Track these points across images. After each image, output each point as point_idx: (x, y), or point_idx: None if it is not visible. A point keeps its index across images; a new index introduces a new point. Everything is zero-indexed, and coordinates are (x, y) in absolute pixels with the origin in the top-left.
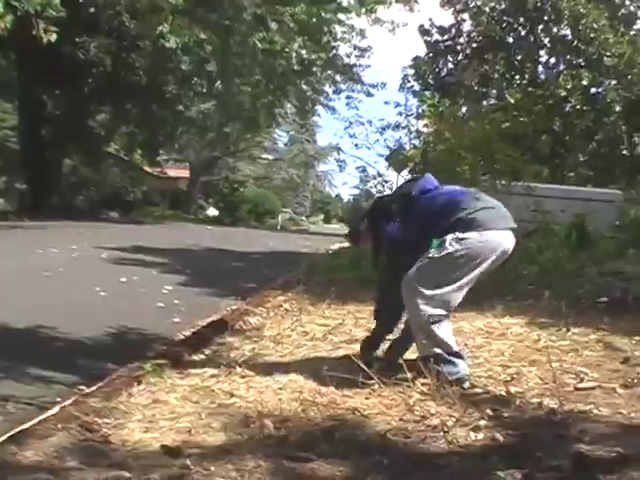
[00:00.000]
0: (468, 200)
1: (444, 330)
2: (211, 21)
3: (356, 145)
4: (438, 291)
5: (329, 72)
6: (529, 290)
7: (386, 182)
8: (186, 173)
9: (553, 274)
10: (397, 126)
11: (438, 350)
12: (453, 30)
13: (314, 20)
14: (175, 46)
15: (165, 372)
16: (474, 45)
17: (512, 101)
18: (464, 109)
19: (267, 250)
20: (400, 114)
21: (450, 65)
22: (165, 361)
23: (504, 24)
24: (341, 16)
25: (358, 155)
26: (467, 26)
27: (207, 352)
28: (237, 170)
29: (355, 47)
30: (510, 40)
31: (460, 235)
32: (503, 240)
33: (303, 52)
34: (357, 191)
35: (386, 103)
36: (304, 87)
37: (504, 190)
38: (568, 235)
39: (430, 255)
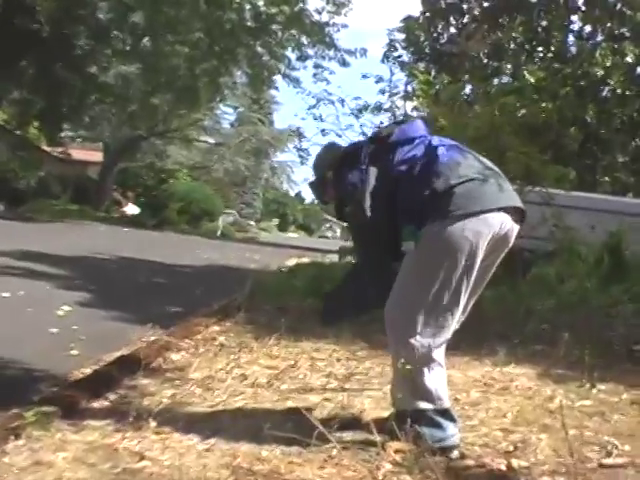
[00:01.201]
0: (463, 163)
1: (436, 378)
2: None
3: (323, 131)
4: (426, 315)
5: (293, 32)
6: (543, 331)
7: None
8: (98, 157)
9: (576, 311)
10: (378, 108)
11: (423, 405)
12: None
13: None
14: None
15: (53, 423)
16: (485, 4)
17: (532, 80)
18: (468, 89)
19: (201, 264)
20: (382, 92)
21: (452, 30)
22: (54, 408)
23: None
24: None
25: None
26: None
27: (112, 398)
28: (166, 156)
29: (329, 0)
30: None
31: (446, 223)
32: (503, 223)
33: (260, 3)
34: None
35: (365, 77)
36: (259, 50)
37: None
38: (599, 260)
39: (408, 265)
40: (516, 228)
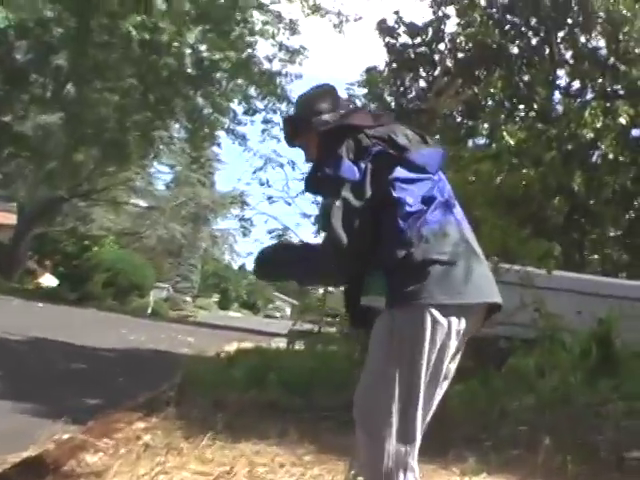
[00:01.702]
0: (450, 235)
1: None
2: None
3: (270, 198)
4: (397, 414)
5: (239, 81)
6: (520, 434)
7: None
8: (11, 219)
9: (558, 410)
10: None
11: None
12: (430, 31)
13: (221, 1)
14: (5, 24)
15: None
16: (460, 55)
17: (511, 143)
18: None
19: (127, 347)
20: None
21: (422, 83)
22: None
23: (507, 26)
24: None
25: (272, 213)
26: (451, 26)
27: None
28: (91, 220)
29: (282, 46)
30: (514, 50)
31: (413, 310)
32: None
33: (202, 48)
34: None
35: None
36: (200, 101)
37: None
38: (585, 351)
39: (375, 343)
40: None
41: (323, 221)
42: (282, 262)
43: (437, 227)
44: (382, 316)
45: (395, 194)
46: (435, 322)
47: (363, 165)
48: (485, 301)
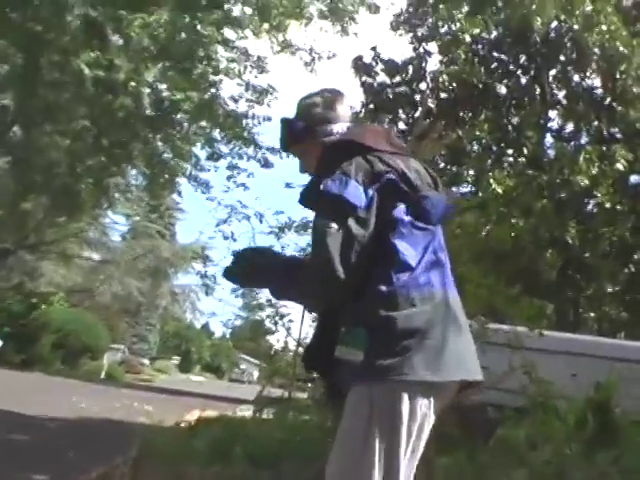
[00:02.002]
0: (436, 298)
1: None
2: (9, 23)
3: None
4: None
5: (202, 123)
6: None
7: (282, 316)
8: None
9: None
10: (304, 226)
11: None
12: (410, 69)
13: (182, 36)
14: None
15: None
16: (442, 95)
17: (499, 190)
18: None
19: (78, 416)
20: None
21: (401, 125)
22: None
23: (493, 64)
24: (228, 33)
25: None
26: (433, 63)
27: None
28: (39, 275)
29: (248, 86)
30: (502, 90)
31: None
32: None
33: (161, 87)
34: (238, 322)
35: (289, 186)
36: (159, 145)
37: (473, 337)
38: (581, 420)
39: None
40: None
41: (316, 244)
42: (262, 267)
43: (426, 290)
44: (359, 388)
45: (394, 239)
46: (416, 400)
47: (371, 192)
48: (466, 379)
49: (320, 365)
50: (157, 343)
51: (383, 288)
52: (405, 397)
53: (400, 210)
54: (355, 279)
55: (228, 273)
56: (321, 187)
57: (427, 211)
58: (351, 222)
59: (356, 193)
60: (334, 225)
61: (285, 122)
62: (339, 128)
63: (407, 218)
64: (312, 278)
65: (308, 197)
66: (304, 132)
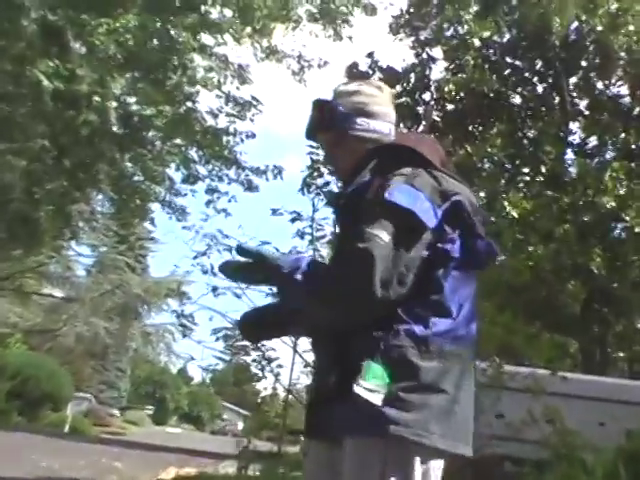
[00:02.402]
0: (456, 350)
1: None
2: None
3: (214, 290)
4: None
5: (177, 141)
6: None
7: (270, 360)
8: None
9: None
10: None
11: None
12: (412, 77)
13: (154, 43)
14: None
15: None
16: (449, 107)
17: (515, 214)
18: None
19: (38, 476)
20: (301, 235)
21: None
22: None
23: (507, 70)
24: (206, 39)
25: (218, 308)
26: (438, 71)
27: None
28: None
29: (229, 98)
30: (516, 100)
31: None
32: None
33: (131, 101)
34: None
35: (276, 212)
36: (128, 166)
37: (488, 382)
38: (611, 473)
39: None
40: None
41: (355, 252)
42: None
43: (460, 346)
44: (371, 440)
45: (442, 277)
46: (430, 462)
47: (440, 213)
48: (463, 453)
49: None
50: (128, 391)
51: (417, 330)
52: (419, 459)
53: (457, 244)
54: (390, 305)
55: (226, 267)
56: (386, 196)
57: (480, 253)
58: (412, 242)
59: (427, 211)
60: (385, 237)
61: (321, 103)
62: (383, 127)
63: (459, 256)
64: (340, 288)
65: (352, 201)
66: (343, 119)
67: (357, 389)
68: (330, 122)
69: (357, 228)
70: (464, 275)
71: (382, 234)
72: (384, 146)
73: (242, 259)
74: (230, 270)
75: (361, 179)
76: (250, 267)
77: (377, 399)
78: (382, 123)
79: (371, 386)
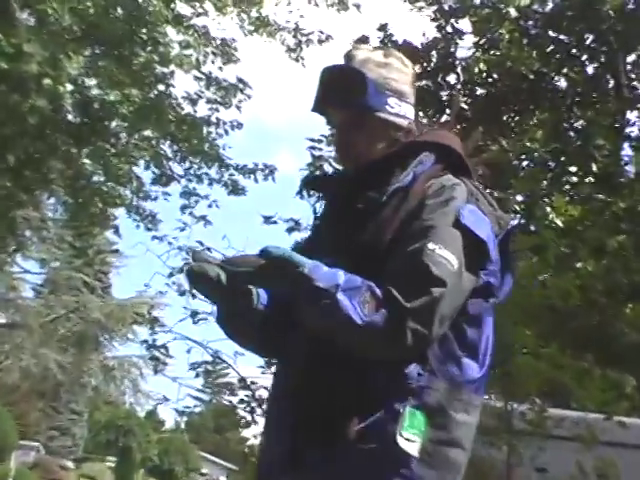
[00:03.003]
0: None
1: None
2: None
3: (194, 315)
4: None
5: (147, 133)
6: None
7: (262, 401)
8: None
9: None
10: None
11: None
12: (434, 55)
13: (118, 12)
14: None
15: None
16: (479, 91)
17: (559, 223)
18: None
19: None
20: None
21: None
22: None
23: (550, 46)
24: (181, 8)
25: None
26: (466, 46)
27: None
28: None
29: (211, 81)
30: (561, 83)
31: None
32: None
33: (90, 83)
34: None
35: (270, 220)
36: (87, 164)
37: (528, 429)
38: None
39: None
40: None
41: (420, 277)
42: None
43: (479, 399)
44: None
45: (483, 320)
46: None
47: (496, 243)
48: None
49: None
50: (84, 438)
51: (453, 372)
52: None
53: (499, 278)
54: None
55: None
56: (461, 219)
57: (505, 287)
58: (473, 274)
59: (492, 241)
60: (455, 263)
61: (347, 70)
62: (411, 113)
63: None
64: (398, 315)
65: (375, 198)
66: (373, 96)
67: (400, 440)
68: (354, 96)
69: (417, 242)
70: (490, 309)
71: (453, 259)
72: (430, 144)
73: (240, 268)
74: (206, 276)
75: (404, 178)
76: (254, 275)
77: (414, 450)
78: (410, 108)
79: (410, 436)
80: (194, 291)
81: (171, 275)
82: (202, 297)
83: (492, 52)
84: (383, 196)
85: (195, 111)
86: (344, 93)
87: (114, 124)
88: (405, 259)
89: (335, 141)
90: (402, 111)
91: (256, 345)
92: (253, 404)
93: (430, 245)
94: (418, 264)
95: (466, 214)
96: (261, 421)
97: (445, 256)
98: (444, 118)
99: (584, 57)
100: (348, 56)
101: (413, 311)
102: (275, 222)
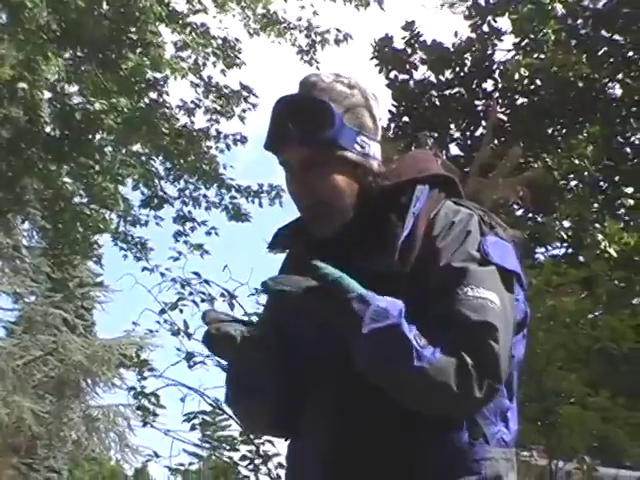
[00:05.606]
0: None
1: None
2: None
3: (188, 358)
4: None
5: (136, 148)
6: None
7: (268, 458)
8: None
9: None
10: None
11: None
12: (468, 58)
13: (105, 8)
14: None
15: None
16: (520, 100)
17: (612, 252)
18: None
19: None
20: None
21: (454, 150)
22: None
23: (602, 49)
24: (177, 3)
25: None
26: (505, 48)
27: None
28: None
29: (210, 88)
30: (616, 91)
31: None
32: None
33: (71, 90)
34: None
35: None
36: (67, 183)
37: None
38: None
39: None
40: None
41: (465, 327)
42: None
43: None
44: None
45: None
46: None
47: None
48: None
49: None
50: None
51: (505, 433)
52: None
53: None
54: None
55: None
56: (487, 256)
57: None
58: (514, 310)
59: (520, 270)
60: (497, 300)
61: (305, 99)
62: (379, 153)
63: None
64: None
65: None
66: (340, 129)
67: None
68: (318, 131)
69: (449, 293)
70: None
71: (493, 296)
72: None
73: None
74: (227, 336)
75: (408, 225)
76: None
77: None
78: (379, 147)
79: None
80: (215, 357)
81: (163, 312)
82: (221, 359)
83: (535, 55)
84: (394, 253)
85: (192, 122)
86: (306, 126)
87: (98, 137)
88: (446, 313)
89: (291, 186)
90: (371, 151)
91: (271, 417)
92: (257, 461)
93: (461, 290)
94: (461, 316)
95: (495, 252)
96: None
97: (484, 296)
98: (479, 131)
99: None
100: (306, 84)
101: (478, 366)
102: (283, 251)
